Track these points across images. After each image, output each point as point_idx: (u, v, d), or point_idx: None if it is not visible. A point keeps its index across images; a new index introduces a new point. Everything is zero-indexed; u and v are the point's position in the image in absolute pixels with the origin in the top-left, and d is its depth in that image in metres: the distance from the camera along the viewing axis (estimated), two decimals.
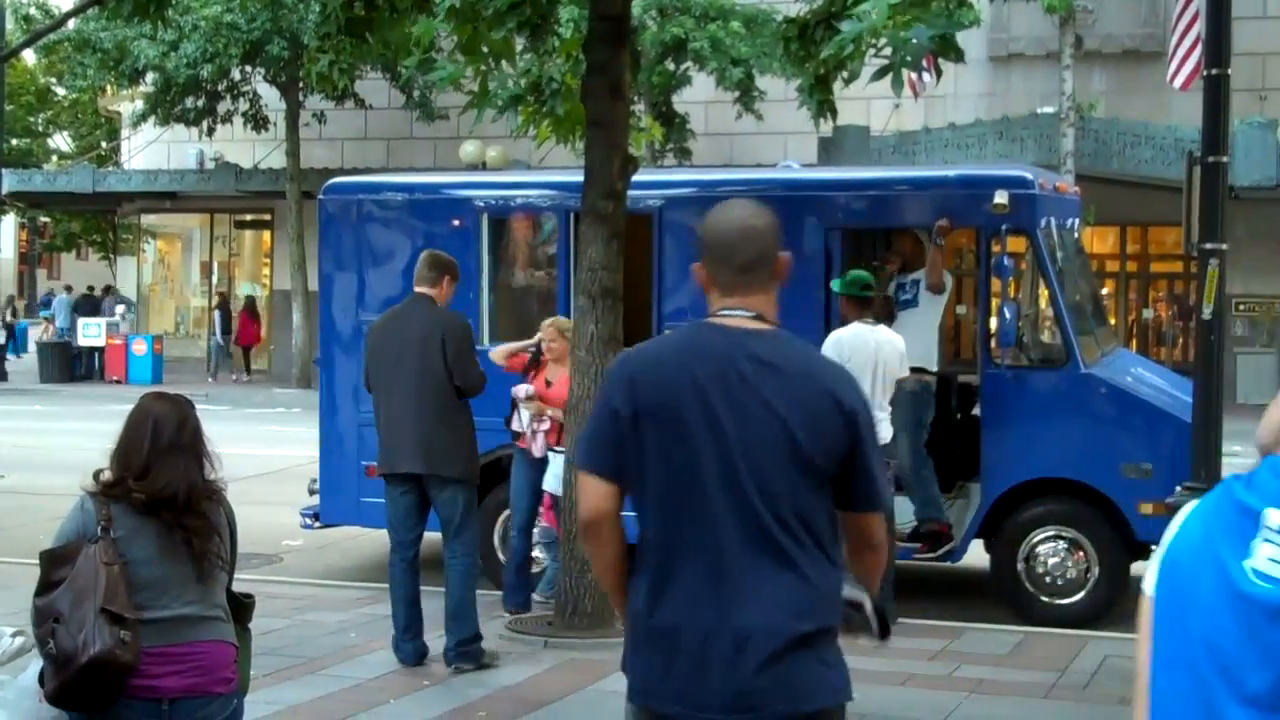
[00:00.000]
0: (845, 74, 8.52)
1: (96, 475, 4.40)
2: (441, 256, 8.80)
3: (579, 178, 9.37)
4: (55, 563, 4.30)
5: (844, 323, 9.67)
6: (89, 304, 37.05)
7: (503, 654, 8.55)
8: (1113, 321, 21.92)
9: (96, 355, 32.31)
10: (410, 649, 8.40)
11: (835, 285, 9.83)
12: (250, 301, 33.27)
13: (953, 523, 10.31)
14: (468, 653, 8.31)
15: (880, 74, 7.64)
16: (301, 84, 28.10)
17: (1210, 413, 8.21)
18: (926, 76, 17.51)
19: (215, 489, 4.49)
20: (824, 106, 8.97)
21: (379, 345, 8.56)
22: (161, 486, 4.36)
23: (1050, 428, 9.98)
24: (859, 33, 7.42)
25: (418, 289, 8.60)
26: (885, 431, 9.75)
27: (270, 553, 12.08)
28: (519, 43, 10.10)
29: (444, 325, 8.43)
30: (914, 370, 10.29)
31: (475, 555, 8.62)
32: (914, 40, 7.36)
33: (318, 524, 11.54)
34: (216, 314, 32.79)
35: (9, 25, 31.33)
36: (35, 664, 4.47)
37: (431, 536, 8.67)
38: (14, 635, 5.37)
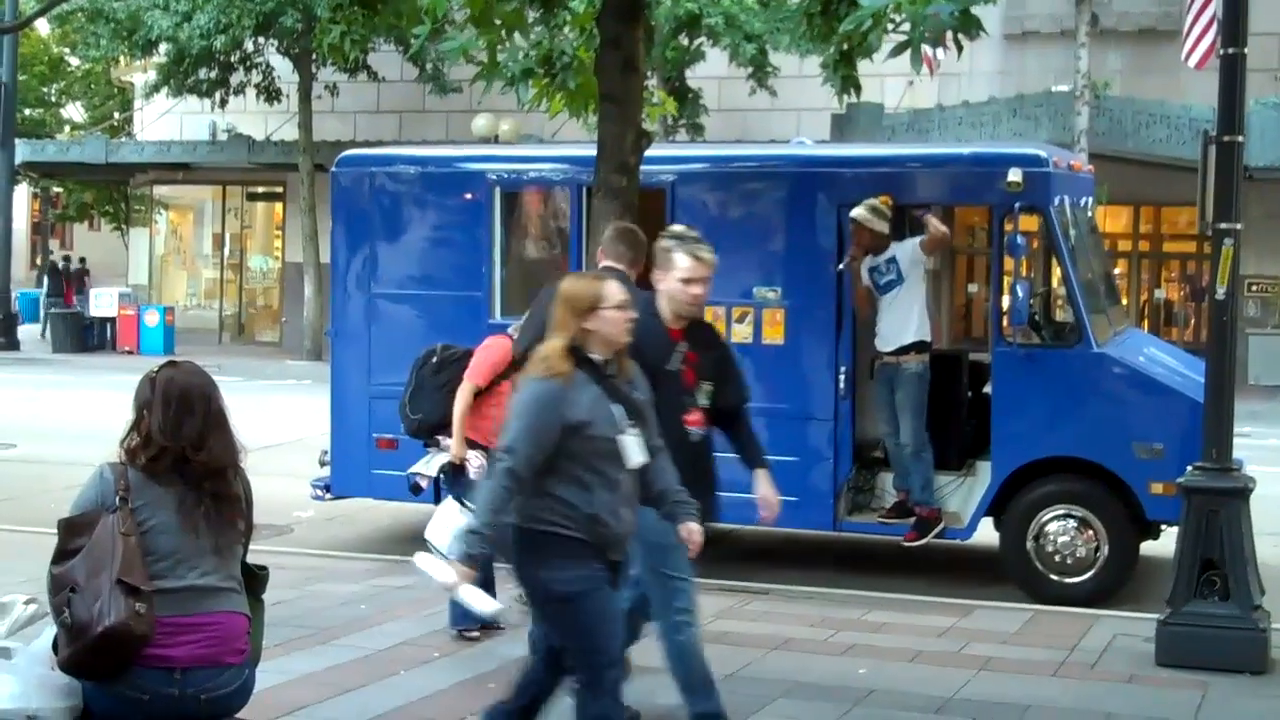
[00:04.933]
0: (861, 50, 8.46)
1: (127, 446, 4.40)
2: (640, 234, 7.76)
3: (592, 152, 9.36)
4: (73, 531, 4.32)
5: None
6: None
7: (513, 626, 8.57)
8: (1125, 301, 21.88)
9: (109, 326, 32.37)
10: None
11: None
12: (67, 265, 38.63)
13: (957, 502, 10.33)
14: None
15: (898, 50, 7.61)
16: (314, 56, 28.07)
17: (1222, 393, 8.19)
18: (943, 53, 17.48)
19: (239, 461, 4.53)
20: (848, 83, 8.92)
21: None
22: (217, 456, 4.38)
23: (1061, 406, 9.97)
24: (880, 8, 7.38)
25: (613, 264, 7.41)
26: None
27: (281, 524, 12.11)
28: (531, 15, 10.08)
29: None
30: (916, 347, 10.26)
31: None
32: (934, 15, 7.31)
33: (328, 495, 11.57)
34: (47, 277, 36.63)
35: None
36: (48, 631, 4.49)
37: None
38: (26, 603, 5.38)
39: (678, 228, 6.53)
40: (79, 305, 34.90)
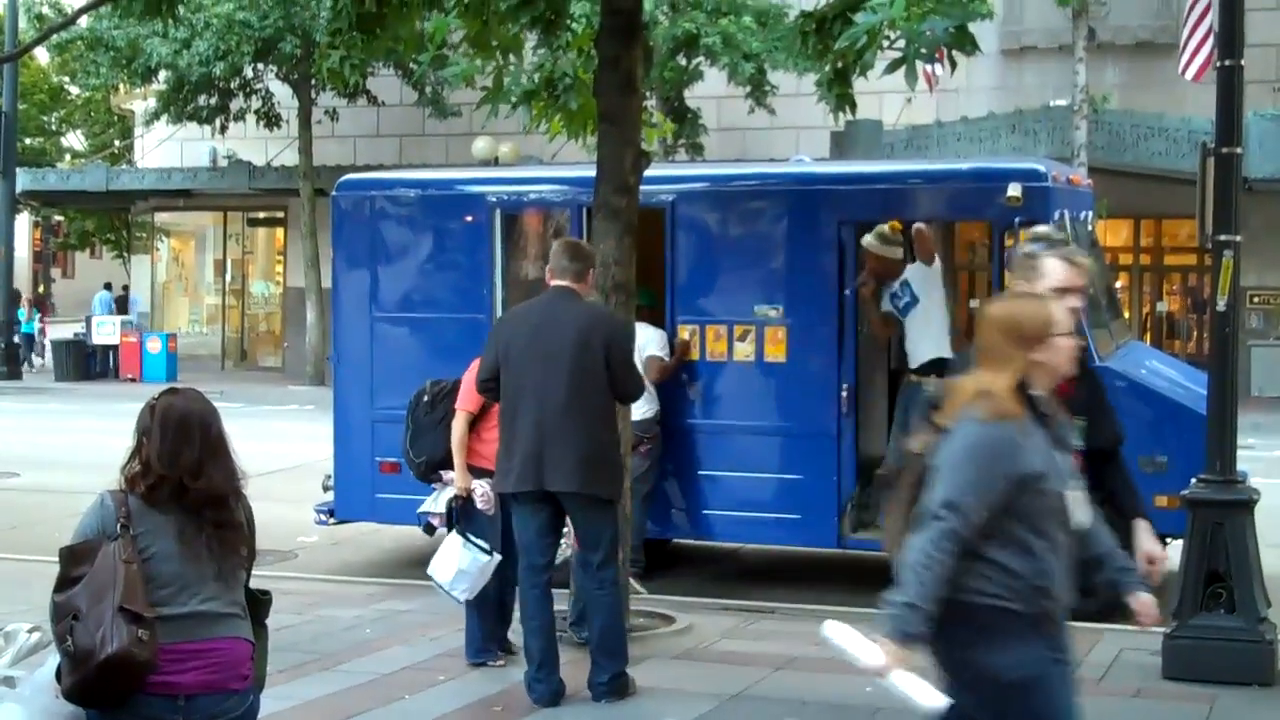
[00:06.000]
0: (858, 67, 8.47)
1: (127, 473, 4.39)
2: (584, 246, 7.99)
3: (591, 173, 9.36)
4: (75, 559, 4.31)
5: None
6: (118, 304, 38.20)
7: (518, 647, 8.56)
8: (1126, 314, 21.89)
9: (111, 353, 32.39)
10: (546, 688, 7.57)
11: None
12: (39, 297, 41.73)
13: None
14: (620, 687, 7.61)
15: (894, 66, 7.62)
16: (314, 81, 28.14)
17: (1225, 405, 8.18)
18: (940, 69, 17.54)
19: (240, 487, 4.52)
20: (843, 100, 8.92)
21: (518, 343, 7.65)
22: (217, 484, 4.37)
23: None
24: (875, 25, 7.39)
25: (560, 282, 7.72)
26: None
27: (285, 549, 12.10)
28: (531, 38, 10.10)
29: (608, 326, 7.75)
30: (934, 366, 10.23)
31: (622, 582, 7.96)
32: (929, 32, 7.32)
33: (332, 520, 11.56)
34: (27, 306, 38.10)
35: (22, 24, 31.41)
36: (52, 660, 4.48)
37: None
38: (30, 631, 5.38)
39: (1043, 229, 5.45)
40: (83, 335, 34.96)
